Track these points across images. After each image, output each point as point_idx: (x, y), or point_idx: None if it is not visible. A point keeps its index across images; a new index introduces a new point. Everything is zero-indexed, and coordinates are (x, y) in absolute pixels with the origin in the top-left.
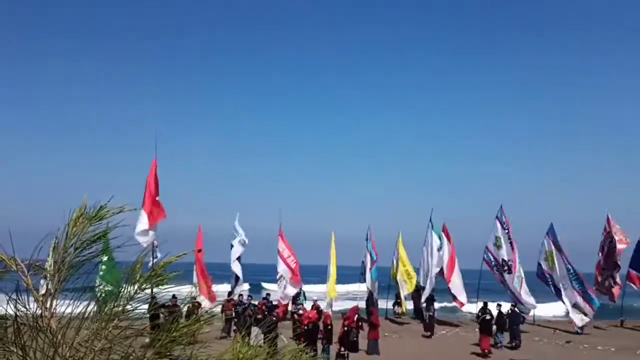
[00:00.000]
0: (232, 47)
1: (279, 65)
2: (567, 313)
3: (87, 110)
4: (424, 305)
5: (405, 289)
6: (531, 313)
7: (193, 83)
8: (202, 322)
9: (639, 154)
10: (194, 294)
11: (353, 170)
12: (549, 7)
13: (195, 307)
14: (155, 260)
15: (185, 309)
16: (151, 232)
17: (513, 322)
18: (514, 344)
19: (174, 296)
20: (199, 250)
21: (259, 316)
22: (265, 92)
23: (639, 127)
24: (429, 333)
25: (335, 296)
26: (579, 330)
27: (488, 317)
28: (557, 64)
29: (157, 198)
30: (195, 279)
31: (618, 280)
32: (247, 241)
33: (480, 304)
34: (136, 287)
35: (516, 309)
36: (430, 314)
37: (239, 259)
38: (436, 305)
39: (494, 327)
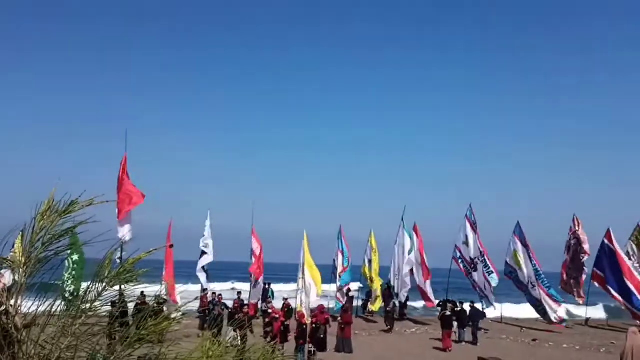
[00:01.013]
0: (220, 44)
1: (251, 56)
2: (542, 311)
3: (56, 101)
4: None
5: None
6: (498, 313)
7: (163, 76)
8: (171, 320)
9: (603, 156)
10: (164, 291)
11: (325, 168)
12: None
13: (162, 305)
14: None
15: (152, 306)
16: (127, 225)
17: (473, 319)
18: (474, 340)
19: (142, 293)
20: (171, 246)
21: (238, 315)
22: (237, 86)
23: (604, 128)
24: (388, 327)
25: (320, 294)
26: (564, 323)
27: (448, 313)
28: (528, 64)
29: (131, 187)
30: (164, 276)
31: (583, 279)
32: (209, 243)
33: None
34: (104, 283)
35: (476, 306)
36: (389, 309)
37: (205, 269)
38: (420, 304)
39: (455, 323)
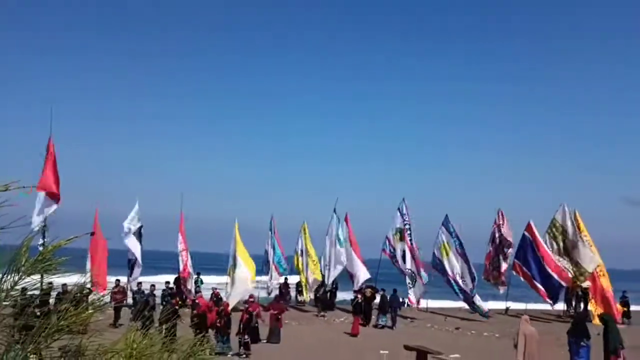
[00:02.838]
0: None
1: (164, 44)
2: (469, 302)
3: None
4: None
5: (312, 278)
6: (422, 303)
7: (92, 60)
8: (93, 310)
9: (525, 154)
10: (86, 280)
11: (258, 156)
12: None
13: (86, 295)
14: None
15: (74, 295)
16: (46, 209)
17: (393, 305)
18: (392, 324)
19: (64, 283)
20: (93, 234)
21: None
22: (165, 72)
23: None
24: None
25: (254, 279)
26: (485, 315)
27: (359, 300)
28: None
29: (55, 179)
30: (88, 266)
31: (503, 269)
32: (131, 228)
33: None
34: (21, 272)
35: (397, 294)
36: (319, 295)
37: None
38: (351, 295)
39: (377, 310)
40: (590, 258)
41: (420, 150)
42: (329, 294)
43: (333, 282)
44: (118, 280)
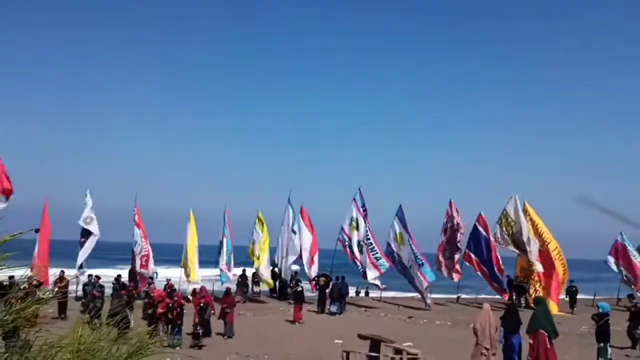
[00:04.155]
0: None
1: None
2: (421, 290)
3: None
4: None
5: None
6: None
7: (26, 43)
8: (39, 304)
9: (472, 149)
10: (33, 274)
11: (212, 147)
12: None
13: (33, 288)
14: None
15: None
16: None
17: (341, 293)
18: (341, 311)
19: (11, 276)
20: (37, 230)
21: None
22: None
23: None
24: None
25: (195, 279)
26: (428, 307)
27: (299, 289)
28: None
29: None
30: (35, 259)
31: (456, 259)
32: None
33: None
34: None
35: (345, 281)
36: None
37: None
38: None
39: (328, 297)
40: (536, 249)
41: (376, 140)
42: (292, 284)
43: (293, 274)
44: (62, 272)
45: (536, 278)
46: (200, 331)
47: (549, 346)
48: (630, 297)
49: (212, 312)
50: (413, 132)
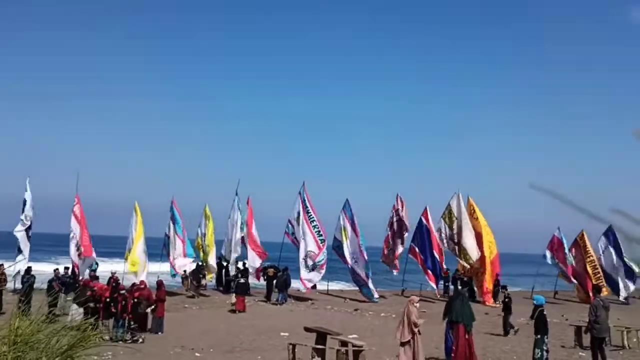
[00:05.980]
0: None
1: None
2: (361, 285)
3: None
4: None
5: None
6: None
7: None
8: None
9: (424, 144)
10: None
11: (159, 135)
12: None
13: None
14: None
15: None
16: None
17: (287, 283)
18: (284, 301)
19: None
20: None
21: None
22: (56, 51)
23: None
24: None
25: (137, 270)
26: (375, 300)
27: (242, 280)
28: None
29: None
30: None
31: (399, 252)
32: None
33: None
34: None
35: (288, 271)
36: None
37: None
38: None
39: (276, 288)
40: (475, 246)
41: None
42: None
43: (240, 267)
44: (1, 265)
45: (481, 270)
46: (135, 325)
47: (466, 337)
48: (504, 288)
49: (153, 307)
50: (361, 125)
